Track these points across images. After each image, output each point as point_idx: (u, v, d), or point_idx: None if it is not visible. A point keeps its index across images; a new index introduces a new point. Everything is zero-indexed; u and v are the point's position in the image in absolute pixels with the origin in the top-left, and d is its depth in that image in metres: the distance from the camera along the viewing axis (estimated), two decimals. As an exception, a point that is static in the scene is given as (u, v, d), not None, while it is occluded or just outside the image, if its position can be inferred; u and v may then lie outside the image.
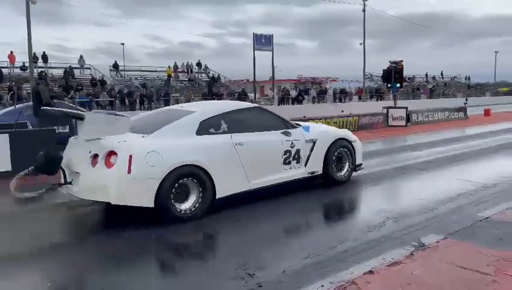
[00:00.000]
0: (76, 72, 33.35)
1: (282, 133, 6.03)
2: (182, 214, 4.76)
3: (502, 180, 7.41)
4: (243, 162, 5.32)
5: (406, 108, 19.62)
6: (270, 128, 5.97)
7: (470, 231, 4.77)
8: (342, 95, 38.63)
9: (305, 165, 6.22)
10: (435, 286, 3.43)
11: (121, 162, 4.41)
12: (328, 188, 6.58)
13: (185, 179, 4.78)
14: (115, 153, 4.49)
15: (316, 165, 6.34)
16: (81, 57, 35.06)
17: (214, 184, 4.95)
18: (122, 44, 49.28)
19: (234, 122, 5.53)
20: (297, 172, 6.09)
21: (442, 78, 57.76)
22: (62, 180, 4.97)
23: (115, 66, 36.99)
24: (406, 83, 40.23)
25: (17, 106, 11.43)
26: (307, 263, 3.89)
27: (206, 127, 5.25)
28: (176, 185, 4.69)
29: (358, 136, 8.11)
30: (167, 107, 6.96)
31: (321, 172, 6.43)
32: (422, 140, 13.60)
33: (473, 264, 3.84)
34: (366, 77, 41.31)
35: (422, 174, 8.08)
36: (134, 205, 4.55)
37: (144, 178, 4.47)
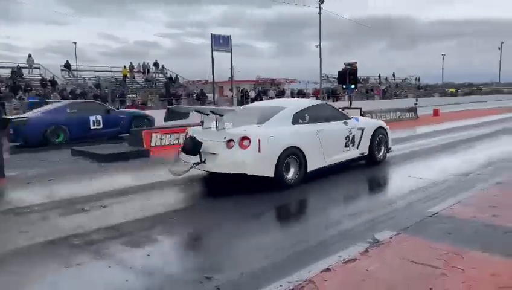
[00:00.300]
0: (25, 72, 31.88)
1: (343, 123, 7.76)
2: (288, 182, 6.39)
3: (449, 177, 7.68)
4: (322, 145, 7.00)
5: (360, 108, 20.02)
6: (336, 119, 7.72)
7: (420, 226, 4.89)
8: (300, 96, 39.09)
9: (357, 147, 7.99)
10: (388, 281, 3.50)
11: (253, 144, 5.99)
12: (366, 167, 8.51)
13: (289, 157, 6.37)
14: (248, 138, 6.03)
15: (364, 148, 8.12)
16: (29, 56, 33.53)
17: (306, 161, 6.58)
18: (75, 43, 47.50)
19: (313, 114, 7.24)
20: (352, 153, 7.83)
21: (394, 79, 59.66)
22: (199, 160, 6.48)
23: (67, 66, 35.65)
24: (361, 84, 41.17)
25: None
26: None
27: (297, 119, 6.94)
28: (285, 161, 6.28)
29: None
30: (256, 104, 8.63)
31: (367, 153, 8.21)
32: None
33: (423, 258, 3.94)
34: (322, 78, 41.97)
35: (376, 173, 8.31)
36: (262, 175, 6.18)
37: (268, 156, 6.08)
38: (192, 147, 6.41)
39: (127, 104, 27.98)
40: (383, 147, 8.73)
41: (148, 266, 3.85)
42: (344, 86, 20.00)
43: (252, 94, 33.87)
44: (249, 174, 6.15)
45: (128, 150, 10.97)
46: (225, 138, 6.27)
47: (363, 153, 8.15)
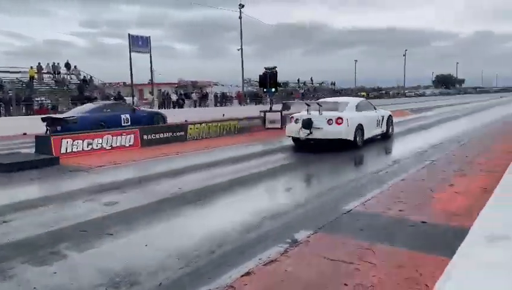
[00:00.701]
0: None
1: (375, 112, 12.73)
2: (358, 143, 11.13)
3: (362, 175, 8.05)
4: (369, 124, 11.74)
5: (281, 112, 20.38)
6: (371, 109, 12.75)
7: (336, 224, 5.05)
8: (223, 99, 38.94)
9: (381, 127, 12.95)
10: (306, 280, 3.54)
11: (345, 122, 10.50)
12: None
13: (357, 130, 10.99)
14: (342, 118, 10.63)
15: (384, 128, 13.22)
16: None
17: (363, 133, 11.31)
18: (-30, 41, 42.03)
19: (362, 106, 12.21)
20: (379, 131, 12.84)
21: (312, 83, 61.57)
22: (309, 132, 10.98)
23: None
24: (281, 88, 41.88)
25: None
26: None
27: (356, 108, 11.71)
28: (355, 132, 10.86)
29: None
30: (328, 99, 13.42)
31: (385, 131, 13.31)
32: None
33: (339, 255, 4.04)
34: (244, 81, 42.18)
35: (295, 173, 8.62)
36: (347, 139, 10.88)
37: (351, 128, 10.62)
38: (308, 123, 11.18)
39: (35, 107, 25.72)
40: (390, 128, 13.99)
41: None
42: (265, 90, 20.24)
43: (174, 97, 32.97)
44: (342, 138, 11.01)
45: (34, 158, 10.15)
46: (326, 118, 11.12)
47: (383, 131, 13.36)
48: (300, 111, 12.18)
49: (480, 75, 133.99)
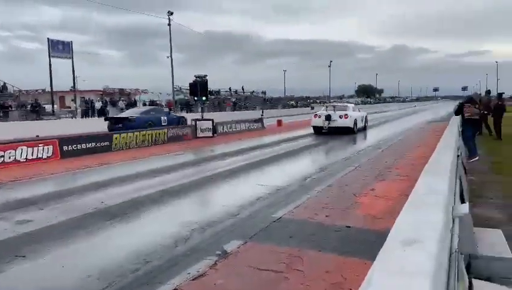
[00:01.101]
0: None
1: (360, 111, 20.96)
2: (355, 130, 19.12)
3: (291, 182, 8.08)
4: (359, 120, 19.89)
5: (212, 120, 20.20)
6: (359, 110, 21.07)
7: (266, 233, 4.98)
8: (152, 106, 37.65)
9: (362, 123, 20.46)
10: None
11: (349, 117, 18.81)
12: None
13: (355, 123, 19.39)
14: (348, 115, 18.97)
15: (364, 124, 20.63)
16: None
17: (357, 125, 19.63)
18: None
19: (355, 108, 21.06)
20: (362, 125, 20.18)
21: (243, 92, 62.00)
22: (328, 123, 19.16)
23: None
24: (213, 96, 41.61)
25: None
26: None
27: (353, 109, 20.09)
28: (354, 124, 18.98)
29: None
30: (335, 103, 22.55)
31: (363, 126, 20.59)
32: (228, 149, 14.03)
33: (268, 264, 3.97)
34: (175, 89, 41.35)
35: (227, 182, 8.39)
36: (349, 127, 19.14)
37: (352, 121, 19.05)
38: (329, 117, 19.01)
39: None
40: (366, 123, 21.25)
41: None
42: (196, 98, 19.87)
43: (98, 105, 31.29)
44: (347, 126, 18.66)
45: None
46: (339, 115, 18.90)
47: (363, 125, 20.81)
48: (319, 110, 21.84)
49: (397, 86, 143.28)
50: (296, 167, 10.15)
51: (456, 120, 10.49)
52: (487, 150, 11.91)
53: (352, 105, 22.48)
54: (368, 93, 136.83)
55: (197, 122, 18.71)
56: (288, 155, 12.08)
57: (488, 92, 17.90)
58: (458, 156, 5.41)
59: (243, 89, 61.17)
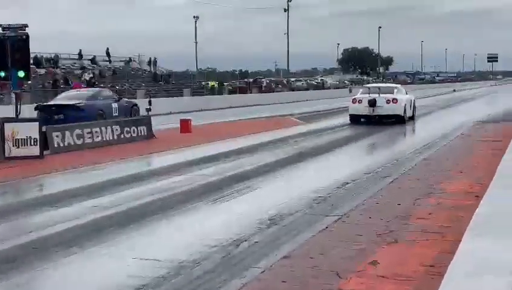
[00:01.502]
0: None
1: (408, 95, 26.72)
2: (406, 118, 24.41)
3: (208, 254, 6.83)
4: (409, 105, 25.42)
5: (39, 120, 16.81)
6: (407, 93, 26.93)
7: None
8: None
9: (411, 109, 25.76)
10: None
11: (399, 102, 23.92)
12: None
13: (405, 109, 24.37)
14: (396, 99, 23.87)
15: (411, 112, 25.95)
16: None
17: (406, 111, 24.48)
18: None
19: (404, 90, 27.61)
20: (410, 113, 25.53)
21: (109, 59, 53.90)
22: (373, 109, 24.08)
23: None
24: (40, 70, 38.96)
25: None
26: None
27: (405, 92, 26.74)
28: (404, 110, 24.35)
29: None
30: (377, 84, 29.61)
31: (411, 115, 25.90)
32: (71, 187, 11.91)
33: None
34: None
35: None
36: (399, 114, 23.77)
37: (402, 107, 24.03)
38: (374, 102, 22.93)
39: None
40: (415, 111, 26.40)
41: None
42: (2, 74, 15.38)
43: None
44: (396, 113, 23.56)
45: None
46: (385, 99, 23.35)
47: (411, 114, 25.58)
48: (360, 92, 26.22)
49: (416, 51, 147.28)
50: (216, 219, 8.91)
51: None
52: None
53: (399, 86, 29.82)
54: (361, 65, 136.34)
55: (5, 125, 14.63)
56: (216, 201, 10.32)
57: None
58: None
59: (108, 54, 53.84)
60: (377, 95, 23.09)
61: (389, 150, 17.67)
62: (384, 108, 22.77)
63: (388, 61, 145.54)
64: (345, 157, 16.55)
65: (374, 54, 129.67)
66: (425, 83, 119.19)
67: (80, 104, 20.16)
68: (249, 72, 76.69)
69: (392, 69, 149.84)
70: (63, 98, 22.69)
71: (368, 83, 53.62)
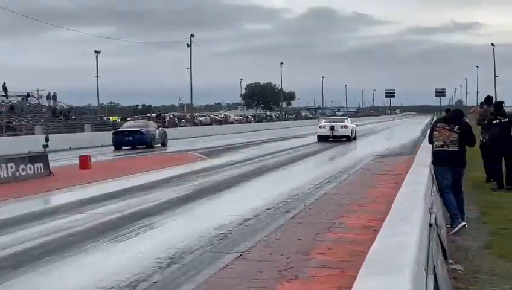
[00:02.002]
0: None
1: (352, 124, 43.08)
2: (353, 138, 39.54)
3: None
4: (353, 129, 40.86)
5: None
6: (351, 123, 43.48)
7: None
8: None
9: (353, 134, 40.72)
10: None
11: (349, 127, 39.07)
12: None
13: (352, 132, 39.88)
14: (347, 126, 39.17)
15: (355, 134, 41.49)
16: None
17: (351, 133, 39.26)
18: None
19: (350, 120, 45.68)
20: (353, 135, 40.59)
21: (6, 94, 52.22)
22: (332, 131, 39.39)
23: None
24: None
25: None
26: None
27: (350, 122, 43.18)
28: (352, 133, 40.17)
29: None
30: (333, 117, 57.15)
31: (354, 136, 40.88)
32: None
33: None
34: None
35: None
36: (349, 136, 38.27)
37: (350, 131, 38.93)
38: (333, 127, 37.21)
39: None
40: (356, 134, 41.02)
41: None
42: None
43: None
44: (347, 135, 37.98)
45: None
46: (340, 125, 38.52)
47: (354, 135, 39.90)
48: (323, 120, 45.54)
49: (318, 87, 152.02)
50: (114, 259, 8.64)
51: (428, 154, 10.97)
52: (482, 207, 11.82)
53: (347, 118, 43.67)
54: (264, 100, 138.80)
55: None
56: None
57: (488, 99, 16.13)
58: (431, 225, 5.30)
59: (4, 89, 51.47)
60: (335, 123, 37.77)
61: (289, 185, 17.10)
62: (339, 131, 36.46)
63: (290, 96, 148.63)
64: (247, 192, 16.36)
65: (276, 89, 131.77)
66: (327, 115, 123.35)
67: (142, 130, 32.65)
68: (152, 106, 76.57)
69: (295, 104, 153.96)
70: (128, 127, 35.39)
71: (271, 118, 67.95)
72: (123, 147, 33.68)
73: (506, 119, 13.34)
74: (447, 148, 9.80)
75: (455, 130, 9.80)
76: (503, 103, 15.27)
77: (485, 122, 14.59)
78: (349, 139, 36.09)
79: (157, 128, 35.85)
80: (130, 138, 32.27)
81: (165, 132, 37.24)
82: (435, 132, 10.15)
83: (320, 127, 37.38)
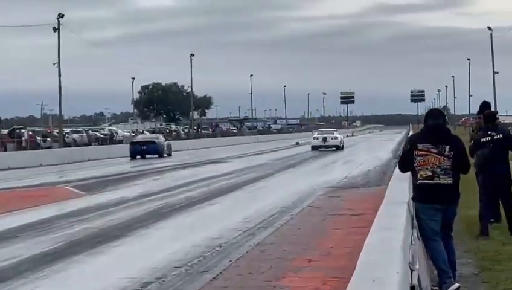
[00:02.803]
0: None
1: (341, 135, 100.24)
2: (342, 147, 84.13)
3: None
4: (342, 140, 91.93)
5: None
6: (339, 134, 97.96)
7: None
8: None
9: (342, 143, 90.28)
10: None
11: (338, 138, 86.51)
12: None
13: (340, 142, 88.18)
14: (337, 137, 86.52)
15: (342, 144, 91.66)
16: None
17: (341, 142, 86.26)
18: None
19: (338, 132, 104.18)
20: (342, 144, 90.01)
21: None
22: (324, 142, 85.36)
23: None
24: None
25: None
26: None
27: (339, 133, 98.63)
28: (341, 143, 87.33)
29: None
30: (324, 129, 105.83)
31: (342, 146, 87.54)
32: None
33: None
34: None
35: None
36: (338, 145, 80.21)
37: (340, 141, 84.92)
38: (325, 138, 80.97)
39: None
40: (344, 144, 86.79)
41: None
42: None
43: None
44: (337, 144, 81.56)
45: None
46: (331, 137, 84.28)
47: (342, 145, 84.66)
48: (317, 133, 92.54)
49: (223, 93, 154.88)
50: None
51: (405, 186, 11.30)
52: (481, 259, 11.86)
53: (336, 130, 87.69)
54: (167, 108, 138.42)
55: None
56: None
57: (484, 106, 16.19)
58: (413, 288, 5.65)
59: None
60: (326, 135, 72.28)
61: (207, 232, 17.12)
62: (330, 142, 69.47)
63: (205, 103, 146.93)
64: (145, 243, 16.21)
65: (185, 93, 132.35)
66: (262, 133, 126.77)
67: (155, 140, 61.65)
68: (2, 119, 73.43)
69: (212, 113, 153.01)
70: (143, 138, 67.08)
71: (178, 134, 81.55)
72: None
73: (500, 136, 13.51)
74: (438, 181, 9.75)
75: (446, 152, 9.77)
76: (496, 113, 15.45)
77: (471, 141, 14.63)
78: (338, 148, 68.74)
79: (166, 140, 66.82)
80: (144, 147, 58.93)
81: (170, 144, 66.61)
82: (418, 158, 9.96)
83: (314, 138, 72.68)
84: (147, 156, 60.90)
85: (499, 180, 13.62)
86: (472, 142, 14.49)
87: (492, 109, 18.10)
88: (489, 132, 13.61)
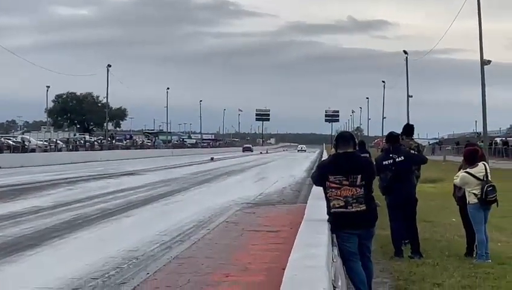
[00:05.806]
0: None
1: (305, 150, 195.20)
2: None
3: None
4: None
5: None
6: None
7: None
8: None
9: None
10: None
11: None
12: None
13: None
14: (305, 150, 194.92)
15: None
16: None
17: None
18: None
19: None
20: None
21: None
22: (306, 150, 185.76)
23: None
24: None
25: None
26: None
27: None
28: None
29: None
30: (303, 146, 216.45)
31: None
32: None
33: None
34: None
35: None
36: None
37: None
38: (305, 150, 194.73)
39: None
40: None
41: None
42: None
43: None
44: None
45: None
46: (303, 149, 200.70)
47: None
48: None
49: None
50: None
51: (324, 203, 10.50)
52: (397, 279, 11.97)
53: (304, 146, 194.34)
54: (81, 118, 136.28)
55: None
56: None
57: (407, 129, 16.03)
58: None
59: None
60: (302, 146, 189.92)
61: (122, 244, 16.76)
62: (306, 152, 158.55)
63: (120, 114, 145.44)
64: (58, 255, 15.64)
65: (99, 104, 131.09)
66: (176, 146, 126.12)
67: None
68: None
69: (126, 125, 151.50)
70: None
71: (92, 144, 65.98)
72: None
73: (402, 158, 13.38)
74: (351, 209, 9.72)
75: (358, 183, 9.63)
76: (399, 135, 14.97)
77: (374, 162, 13.96)
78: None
79: None
80: None
81: None
82: (331, 189, 9.90)
83: (297, 150, 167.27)
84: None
85: (405, 201, 13.66)
86: (374, 162, 13.84)
87: (415, 132, 18.02)
88: (390, 155, 13.58)
